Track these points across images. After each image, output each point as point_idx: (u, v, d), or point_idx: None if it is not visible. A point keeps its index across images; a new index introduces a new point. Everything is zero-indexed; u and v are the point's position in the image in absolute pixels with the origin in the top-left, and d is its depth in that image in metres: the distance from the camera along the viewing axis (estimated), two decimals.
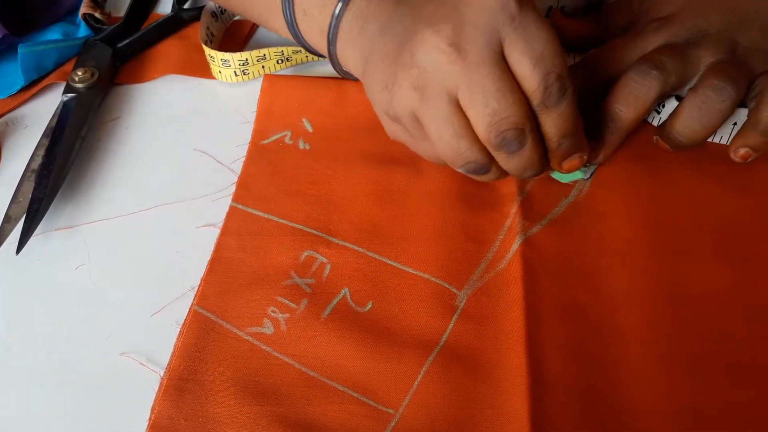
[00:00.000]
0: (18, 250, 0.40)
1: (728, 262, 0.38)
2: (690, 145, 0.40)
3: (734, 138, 0.41)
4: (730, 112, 0.38)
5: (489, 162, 0.36)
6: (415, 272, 0.38)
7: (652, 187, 0.41)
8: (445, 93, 0.33)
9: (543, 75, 0.33)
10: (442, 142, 0.35)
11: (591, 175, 0.42)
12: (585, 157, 0.38)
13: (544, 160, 0.37)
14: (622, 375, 0.34)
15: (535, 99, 0.33)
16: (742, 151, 0.40)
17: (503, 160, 0.36)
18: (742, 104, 0.40)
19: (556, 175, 0.41)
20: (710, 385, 0.33)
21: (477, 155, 0.35)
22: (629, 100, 0.39)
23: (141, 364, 0.36)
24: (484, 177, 0.37)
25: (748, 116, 0.40)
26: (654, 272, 0.37)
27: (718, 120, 0.38)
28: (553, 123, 0.35)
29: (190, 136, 0.47)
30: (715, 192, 0.41)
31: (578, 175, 0.40)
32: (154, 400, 0.34)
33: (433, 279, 0.38)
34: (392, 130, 0.39)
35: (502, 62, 0.33)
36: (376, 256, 0.39)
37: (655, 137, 0.42)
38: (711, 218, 0.40)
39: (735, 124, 0.41)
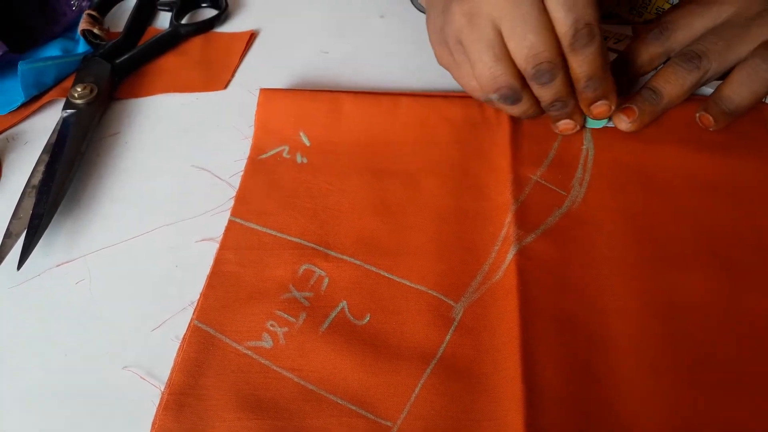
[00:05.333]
0: (19, 266, 0.40)
1: (718, 271, 0.38)
2: (735, 112, 0.43)
3: (701, 107, 0.44)
4: None
5: (521, 89, 0.41)
6: (412, 285, 0.39)
7: (644, 198, 0.42)
8: (491, 21, 0.38)
9: (573, 20, 0.37)
10: (482, 63, 0.40)
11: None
12: (612, 106, 0.42)
13: (573, 98, 0.42)
14: (614, 384, 0.34)
15: (565, 41, 0.38)
16: (706, 119, 0.44)
17: (537, 89, 0.41)
18: None
19: (589, 123, 0.45)
20: (703, 395, 0.34)
21: (511, 81, 0.40)
22: (671, 79, 0.43)
23: (141, 378, 0.36)
24: (515, 108, 0.42)
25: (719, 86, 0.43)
26: (646, 282, 0.38)
27: (764, 87, 0.41)
28: (579, 65, 0.39)
29: (188, 151, 0.47)
30: (704, 202, 0.41)
31: (610, 122, 0.45)
32: (155, 415, 0.34)
33: (430, 291, 0.38)
34: (439, 53, 0.44)
35: (541, 4, 0.37)
36: (374, 269, 0.39)
37: (698, 114, 0.45)
38: (701, 228, 0.40)
39: None
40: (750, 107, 0.42)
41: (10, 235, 0.42)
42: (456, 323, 0.37)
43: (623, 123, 0.44)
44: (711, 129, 0.44)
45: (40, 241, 0.41)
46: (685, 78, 0.43)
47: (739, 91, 0.42)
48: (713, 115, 0.43)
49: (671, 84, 0.43)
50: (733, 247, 0.39)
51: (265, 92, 0.48)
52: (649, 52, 0.45)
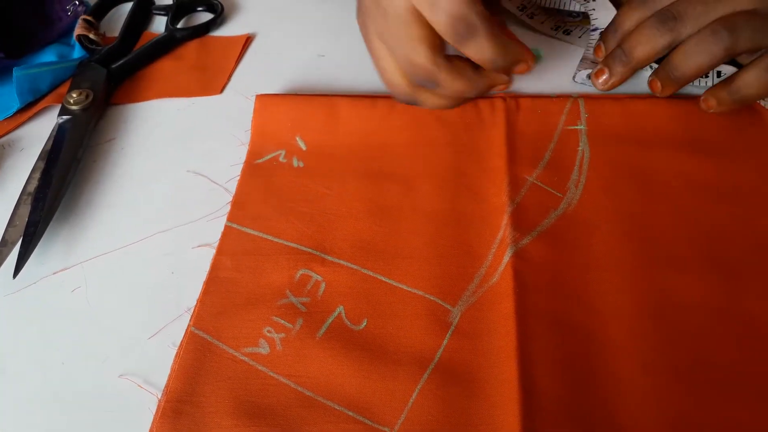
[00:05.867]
0: (15, 274, 0.40)
1: (714, 273, 0.38)
2: (680, 79, 0.43)
3: (709, 89, 0.44)
4: (722, 58, 0.41)
5: (414, 95, 0.42)
6: (409, 289, 0.39)
7: (641, 200, 0.41)
8: (378, 39, 0.40)
9: (447, 20, 0.36)
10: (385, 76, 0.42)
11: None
12: (530, 63, 0.41)
13: (480, 75, 0.41)
14: (612, 387, 0.34)
15: (450, 39, 0.37)
16: (710, 101, 0.44)
17: (436, 91, 0.41)
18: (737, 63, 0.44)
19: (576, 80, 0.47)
20: (700, 397, 0.34)
21: (405, 89, 0.41)
22: (642, 41, 0.44)
23: (138, 386, 0.36)
24: (430, 106, 0.43)
25: (732, 74, 0.43)
26: (642, 284, 0.38)
27: (708, 61, 0.41)
28: (474, 54, 0.38)
29: (185, 156, 0.47)
30: (700, 203, 0.41)
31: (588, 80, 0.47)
32: (152, 423, 0.34)
33: (427, 296, 0.38)
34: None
35: (411, 15, 0.37)
36: (371, 273, 0.39)
37: (649, 77, 0.46)
38: (697, 230, 0.40)
39: (720, 74, 0.46)
40: (694, 78, 0.43)
41: (6, 243, 0.42)
42: (453, 327, 0.37)
43: (597, 83, 0.46)
44: (658, 95, 0.45)
45: (36, 249, 0.41)
46: (656, 40, 0.43)
47: (684, 60, 0.42)
48: (661, 80, 0.44)
49: (641, 45, 0.44)
50: (729, 249, 0.39)
51: (261, 98, 0.48)
52: (635, 17, 0.45)
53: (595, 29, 0.50)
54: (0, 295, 0.40)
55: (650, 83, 0.46)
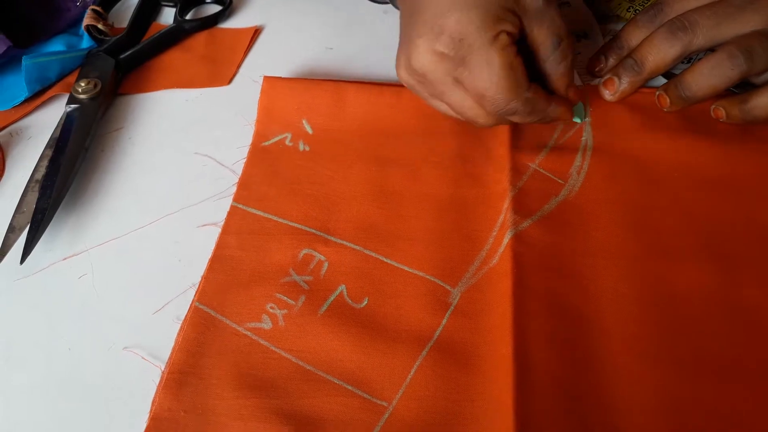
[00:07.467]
0: (22, 260, 0.41)
1: (712, 263, 0.38)
2: (691, 99, 0.43)
3: (722, 99, 0.44)
4: (736, 81, 0.41)
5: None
6: (410, 270, 0.39)
7: (641, 189, 0.42)
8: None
9: (491, 107, 0.39)
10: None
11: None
12: (566, 115, 0.41)
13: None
14: (604, 370, 0.34)
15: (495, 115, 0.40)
16: (720, 112, 0.44)
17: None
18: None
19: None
20: (692, 382, 0.34)
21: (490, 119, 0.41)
22: (653, 51, 0.43)
23: (143, 358, 0.36)
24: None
25: (747, 92, 0.43)
26: (639, 271, 0.38)
27: (723, 84, 0.41)
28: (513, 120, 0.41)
29: (192, 145, 0.48)
30: (700, 194, 0.41)
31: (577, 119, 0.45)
32: (155, 393, 0.35)
33: (427, 277, 0.39)
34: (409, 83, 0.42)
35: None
36: (373, 254, 0.40)
37: (657, 92, 0.45)
38: (696, 220, 0.40)
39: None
40: (706, 99, 0.42)
41: (14, 229, 0.42)
42: (452, 307, 0.37)
43: (606, 95, 0.45)
44: (665, 110, 0.44)
45: (44, 236, 0.42)
46: (668, 51, 0.42)
47: (698, 81, 0.42)
48: (671, 97, 0.44)
49: (653, 55, 0.43)
50: (728, 239, 0.39)
51: (268, 80, 0.48)
52: (642, 34, 0.45)
53: None
54: (7, 280, 0.41)
55: (658, 98, 0.45)
